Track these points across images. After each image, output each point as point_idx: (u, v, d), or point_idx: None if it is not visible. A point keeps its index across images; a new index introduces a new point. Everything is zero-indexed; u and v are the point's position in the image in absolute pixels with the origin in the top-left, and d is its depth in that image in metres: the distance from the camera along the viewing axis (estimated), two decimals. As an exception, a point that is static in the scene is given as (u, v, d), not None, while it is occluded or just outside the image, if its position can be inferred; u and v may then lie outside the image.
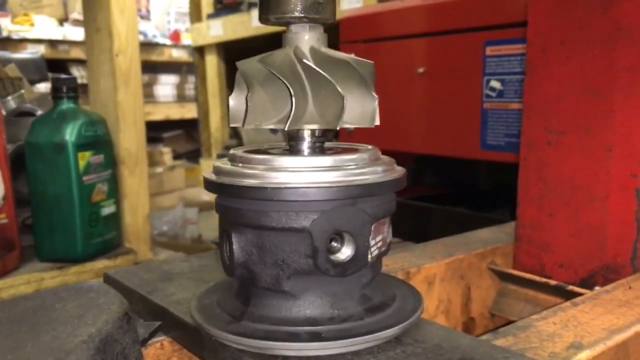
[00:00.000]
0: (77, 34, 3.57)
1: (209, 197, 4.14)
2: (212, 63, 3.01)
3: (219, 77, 3.02)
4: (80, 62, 3.53)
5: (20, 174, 1.21)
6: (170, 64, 4.02)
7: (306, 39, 0.47)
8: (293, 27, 0.47)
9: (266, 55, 0.46)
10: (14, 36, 3.43)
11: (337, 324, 0.45)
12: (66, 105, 1.19)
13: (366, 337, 0.43)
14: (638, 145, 0.68)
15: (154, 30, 4.47)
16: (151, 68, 3.96)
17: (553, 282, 0.73)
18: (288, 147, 0.49)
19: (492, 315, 0.81)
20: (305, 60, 0.44)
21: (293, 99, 0.44)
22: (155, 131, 3.92)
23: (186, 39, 4.11)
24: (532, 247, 0.78)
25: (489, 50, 1.24)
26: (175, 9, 4.62)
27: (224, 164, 0.48)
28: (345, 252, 0.45)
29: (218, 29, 2.87)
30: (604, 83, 0.70)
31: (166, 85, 4.02)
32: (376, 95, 0.47)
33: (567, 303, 0.59)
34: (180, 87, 4.13)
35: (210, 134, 3.09)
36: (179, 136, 4.13)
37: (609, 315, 0.56)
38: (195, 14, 3.06)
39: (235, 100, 0.48)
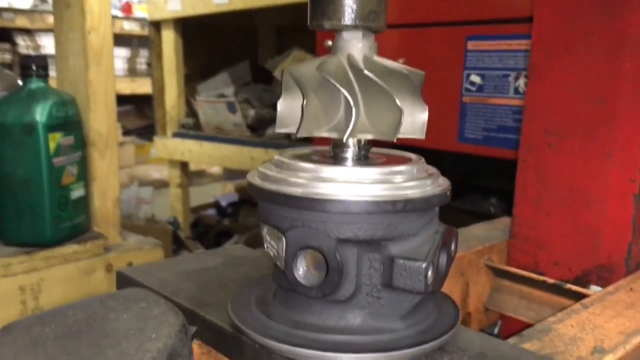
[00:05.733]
0: (22, 1, 3.39)
1: (159, 174, 4.06)
2: (169, 39, 2.92)
3: (176, 53, 2.94)
4: (25, 31, 3.36)
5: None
6: (121, 36, 3.87)
7: (359, 47, 0.46)
8: (345, 35, 0.47)
9: (321, 63, 0.46)
10: (-46, 2, 3.22)
11: (389, 334, 0.46)
12: (36, 84, 1.15)
13: (420, 347, 0.44)
14: (637, 151, 0.72)
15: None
16: (101, 40, 3.80)
17: (551, 280, 0.77)
18: (332, 154, 0.49)
19: (486, 310, 0.84)
20: (366, 71, 0.44)
21: (354, 108, 0.44)
22: (104, 106, 3.78)
23: (138, 11, 3.97)
24: (527, 245, 0.81)
25: (470, 45, 1.26)
26: (126, -21, 4.45)
27: (270, 170, 0.47)
28: None
29: (176, 4, 2.79)
30: (607, 90, 0.73)
31: (117, 59, 3.85)
32: (426, 105, 0.47)
33: (578, 305, 0.62)
34: (131, 61, 4.00)
35: (165, 112, 3.01)
36: (129, 112, 4.01)
37: (620, 318, 0.59)
38: (152, -13, 2.96)
39: (284, 106, 0.47)
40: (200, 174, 4.08)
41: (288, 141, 2.48)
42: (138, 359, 0.35)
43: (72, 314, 0.40)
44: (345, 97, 0.45)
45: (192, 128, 2.88)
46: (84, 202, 1.25)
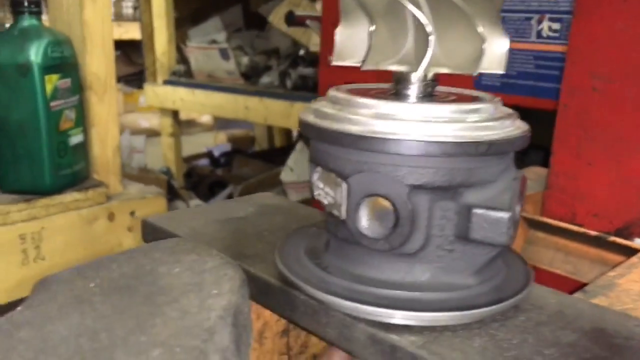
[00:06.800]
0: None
1: (148, 123, 3.96)
2: (158, -20, 2.80)
3: (165, -4, 2.82)
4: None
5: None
6: (106, -22, 3.70)
7: (432, -37, 0.40)
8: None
9: (391, -17, 0.40)
10: None
11: (461, 290, 0.41)
12: (28, 21, 1.07)
13: (499, 305, 0.40)
14: (693, 97, 0.67)
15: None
16: (84, -18, 3.63)
17: (593, 232, 0.73)
18: (395, 91, 0.44)
19: (519, 263, 0.81)
20: (445, -9, 0.38)
21: (431, 36, 0.38)
22: (90, 51, 3.64)
23: (123, -49, 3.79)
24: (565, 196, 0.77)
25: (491, -14, 1.19)
26: None
27: (326, 107, 0.42)
28: None
29: (166, -58, 2.66)
30: (663, 30, 0.68)
31: (102, 2, 3.71)
32: (507, 34, 0.41)
33: (634, 258, 0.59)
34: (117, 4, 3.83)
35: (155, 58, 2.91)
36: (116, 58, 3.87)
37: (683, 272, 0.56)
38: None
39: (344, 34, 0.42)
40: (190, 123, 3.98)
41: (283, 90, 2.41)
42: (203, 318, 0.30)
43: (116, 266, 0.35)
44: (416, 23, 0.39)
45: (184, 75, 2.79)
46: (83, 149, 1.19)
